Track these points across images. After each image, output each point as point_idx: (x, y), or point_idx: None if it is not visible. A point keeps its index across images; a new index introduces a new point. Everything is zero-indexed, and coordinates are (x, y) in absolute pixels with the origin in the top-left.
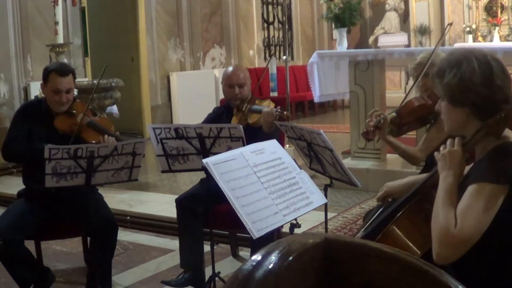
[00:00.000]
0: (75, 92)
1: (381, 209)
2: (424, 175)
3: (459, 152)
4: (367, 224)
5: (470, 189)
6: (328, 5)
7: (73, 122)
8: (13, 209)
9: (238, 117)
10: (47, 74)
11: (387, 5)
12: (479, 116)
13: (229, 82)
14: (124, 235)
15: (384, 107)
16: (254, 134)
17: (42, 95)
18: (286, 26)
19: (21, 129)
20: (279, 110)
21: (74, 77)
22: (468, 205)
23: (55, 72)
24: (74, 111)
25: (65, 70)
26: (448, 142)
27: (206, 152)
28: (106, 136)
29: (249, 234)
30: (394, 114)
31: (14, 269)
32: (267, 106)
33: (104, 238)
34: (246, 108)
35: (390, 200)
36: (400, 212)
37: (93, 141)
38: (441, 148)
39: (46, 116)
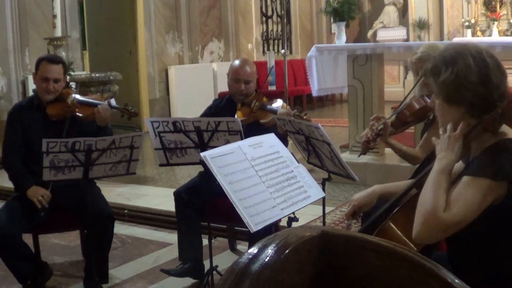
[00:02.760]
0: (73, 85)
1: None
2: (392, 184)
3: (459, 137)
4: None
5: (466, 179)
6: None
7: (64, 105)
8: (11, 203)
9: (244, 113)
10: (38, 62)
11: None
12: (474, 113)
13: (235, 76)
14: (122, 229)
15: (383, 101)
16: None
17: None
18: (285, 20)
19: (15, 132)
20: (296, 112)
21: (65, 70)
22: (461, 193)
23: (46, 60)
24: (63, 97)
25: (56, 59)
26: (448, 126)
27: (204, 145)
28: (98, 106)
29: (247, 227)
30: (394, 118)
31: (13, 263)
32: (281, 107)
33: (101, 230)
34: (255, 106)
35: (360, 215)
36: (397, 208)
37: (89, 114)
38: (441, 132)
39: (38, 110)
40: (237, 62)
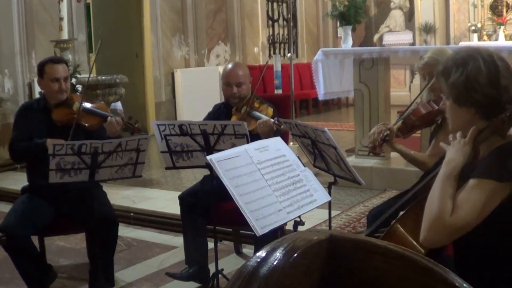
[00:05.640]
0: (79, 87)
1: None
2: None
3: (470, 143)
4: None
5: (472, 182)
6: (333, 3)
7: (70, 111)
8: (20, 205)
9: (237, 118)
10: (42, 67)
11: (392, 3)
12: (484, 115)
13: (227, 80)
14: (128, 232)
15: (389, 106)
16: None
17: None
18: (291, 24)
19: (23, 128)
20: (276, 122)
21: (68, 67)
22: (467, 197)
23: (50, 62)
24: (69, 102)
25: (59, 59)
26: (458, 134)
27: (210, 149)
28: (109, 119)
29: (252, 231)
30: (400, 123)
31: (22, 265)
32: (264, 115)
33: (105, 234)
34: (245, 112)
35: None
36: (405, 210)
37: (94, 124)
38: (450, 139)
39: (43, 112)
40: (229, 66)
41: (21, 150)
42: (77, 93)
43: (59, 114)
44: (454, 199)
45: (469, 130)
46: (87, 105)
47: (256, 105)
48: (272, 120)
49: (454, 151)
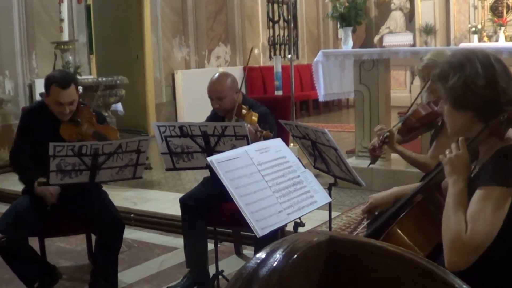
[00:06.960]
0: (80, 89)
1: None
2: (409, 186)
3: (465, 154)
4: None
5: (478, 193)
6: (334, 4)
7: (78, 131)
8: (16, 206)
9: None
10: (49, 86)
11: (392, 5)
12: (482, 118)
13: (208, 95)
14: (128, 233)
15: (389, 107)
16: None
17: None
18: (292, 25)
19: (25, 138)
20: (258, 129)
21: (77, 86)
22: (477, 209)
23: (56, 85)
24: (79, 119)
25: (67, 82)
26: (453, 145)
27: (210, 150)
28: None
29: (253, 232)
30: (400, 125)
31: (18, 267)
32: (248, 124)
33: (112, 237)
34: (234, 121)
35: (376, 213)
36: (403, 213)
37: None
38: (447, 152)
39: (51, 121)
40: (213, 78)
41: (17, 168)
42: (89, 108)
43: (66, 131)
44: (466, 214)
45: (468, 133)
46: (96, 128)
47: (244, 111)
48: (253, 129)
49: (455, 170)
